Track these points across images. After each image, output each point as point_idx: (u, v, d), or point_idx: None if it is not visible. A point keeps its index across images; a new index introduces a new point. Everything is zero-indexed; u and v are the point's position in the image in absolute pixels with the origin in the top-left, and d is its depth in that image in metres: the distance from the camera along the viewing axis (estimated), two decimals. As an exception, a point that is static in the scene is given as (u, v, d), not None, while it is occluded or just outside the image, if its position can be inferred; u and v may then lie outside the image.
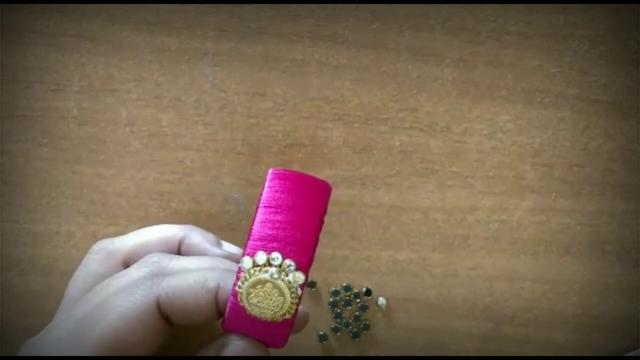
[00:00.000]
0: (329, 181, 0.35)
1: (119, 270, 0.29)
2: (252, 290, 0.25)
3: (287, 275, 0.25)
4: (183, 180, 0.35)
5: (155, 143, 0.35)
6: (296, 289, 0.25)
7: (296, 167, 0.35)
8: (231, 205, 0.36)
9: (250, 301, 0.25)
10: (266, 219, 0.26)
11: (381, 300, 0.36)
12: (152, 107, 0.35)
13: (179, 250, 0.30)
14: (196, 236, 0.30)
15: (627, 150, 0.36)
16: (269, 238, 0.26)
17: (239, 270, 0.25)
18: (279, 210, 0.26)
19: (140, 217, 0.35)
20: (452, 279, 0.36)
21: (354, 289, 0.36)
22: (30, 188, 0.35)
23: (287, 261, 0.25)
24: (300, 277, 0.25)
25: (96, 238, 0.35)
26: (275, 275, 0.25)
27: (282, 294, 0.25)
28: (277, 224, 0.26)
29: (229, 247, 0.30)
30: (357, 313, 0.36)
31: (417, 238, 0.36)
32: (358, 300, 0.36)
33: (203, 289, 0.25)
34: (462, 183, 0.36)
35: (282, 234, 0.26)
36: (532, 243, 0.36)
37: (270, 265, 0.25)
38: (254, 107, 0.35)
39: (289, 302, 0.25)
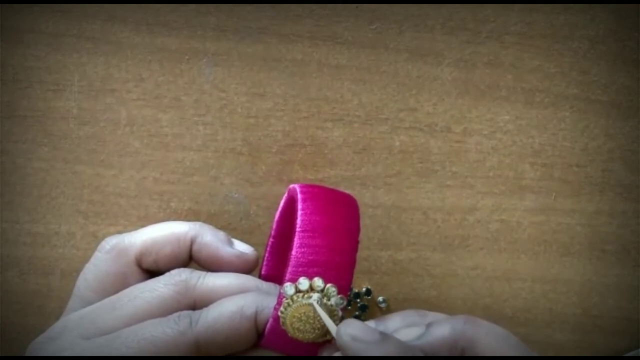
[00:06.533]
0: (329, 181, 0.36)
1: (131, 269, 0.29)
2: (295, 314, 0.25)
3: (329, 300, 0.26)
4: (183, 180, 0.35)
5: (155, 143, 0.35)
6: (338, 312, 0.26)
7: (296, 167, 0.35)
8: (231, 205, 0.36)
9: (293, 325, 0.25)
10: (305, 244, 0.26)
11: (381, 300, 0.36)
12: (152, 107, 0.35)
13: (191, 248, 0.30)
14: (207, 235, 0.30)
15: (627, 150, 0.36)
16: (309, 263, 0.26)
17: (281, 296, 0.26)
18: (317, 234, 0.26)
19: (140, 217, 0.35)
20: (452, 279, 0.36)
21: (353, 289, 0.36)
22: (30, 188, 0.35)
23: (329, 286, 0.26)
24: (342, 301, 0.26)
25: (96, 238, 0.35)
26: (319, 301, 0.25)
27: (324, 318, 0.25)
28: (317, 249, 0.26)
29: (240, 246, 0.30)
30: (357, 313, 0.36)
31: (416, 238, 0.36)
32: (358, 300, 0.36)
33: (242, 318, 0.25)
34: (462, 183, 0.36)
35: (322, 258, 0.26)
36: (532, 243, 0.36)
37: (312, 290, 0.26)
38: (254, 107, 0.35)
39: None
